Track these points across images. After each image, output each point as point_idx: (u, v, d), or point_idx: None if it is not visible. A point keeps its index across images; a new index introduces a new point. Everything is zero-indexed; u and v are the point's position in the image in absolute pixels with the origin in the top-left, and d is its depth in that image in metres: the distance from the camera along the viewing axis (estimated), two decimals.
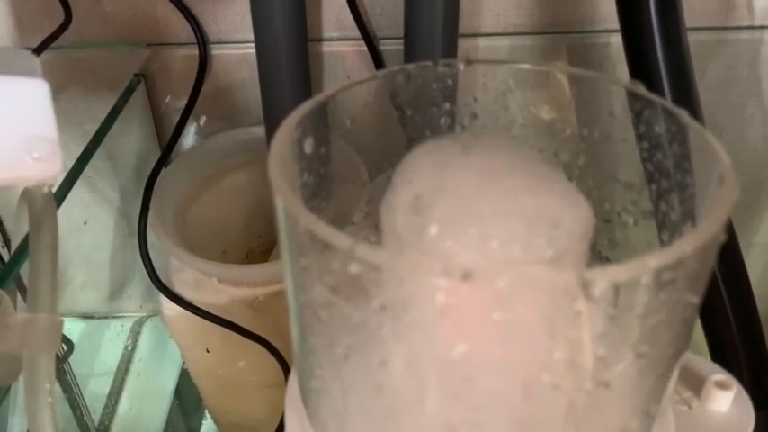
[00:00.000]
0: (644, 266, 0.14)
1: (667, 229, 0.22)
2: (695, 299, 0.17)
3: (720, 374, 0.27)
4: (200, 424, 0.60)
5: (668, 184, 0.22)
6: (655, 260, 0.14)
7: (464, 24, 0.47)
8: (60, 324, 0.26)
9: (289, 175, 0.20)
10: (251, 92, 0.50)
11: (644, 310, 0.15)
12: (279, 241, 0.19)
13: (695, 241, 0.15)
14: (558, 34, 0.49)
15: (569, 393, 0.16)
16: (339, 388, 0.19)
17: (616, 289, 0.14)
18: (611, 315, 0.15)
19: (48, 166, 0.21)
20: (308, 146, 0.21)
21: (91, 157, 0.42)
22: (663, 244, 0.22)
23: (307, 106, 0.21)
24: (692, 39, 0.37)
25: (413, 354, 0.16)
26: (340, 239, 0.15)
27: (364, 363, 0.17)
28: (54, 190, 0.30)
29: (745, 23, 0.49)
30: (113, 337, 0.62)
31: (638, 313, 0.15)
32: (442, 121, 0.25)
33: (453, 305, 0.15)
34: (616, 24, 0.38)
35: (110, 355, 0.61)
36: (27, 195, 0.30)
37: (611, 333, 0.15)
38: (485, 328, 0.15)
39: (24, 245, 0.32)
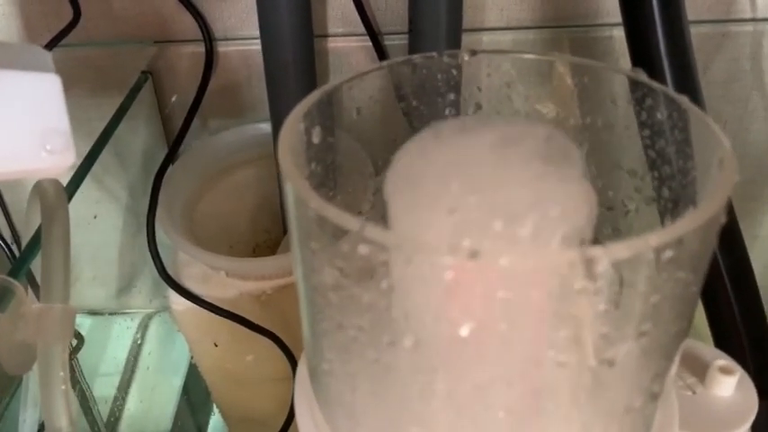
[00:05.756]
0: (645, 244, 0.15)
1: (670, 215, 0.22)
2: (697, 279, 0.18)
3: (724, 360, 0.28)
4: (208, 419, 0.61)
5: (670, 171, 0.22)
6: (656, 238, 0.15)
7: (468, 19, 0.47)
8: (73, 313, 0.27)
9: (297, 162, 0.20)
10: (257, 88, 0.51)
11: (646, 288, 0.16)
12: (288, 228, 0.20)
13: (696, 221, 0.15)
14: (561, 28, 0.49)
15: (574, 371, 0.17)
16: (348, 370, 0.19)
17: (618, 267, 0.15)
18: (615, 293, 0.15)
19: (61, 159, 0.21)
20: (316, 136, 0.22)
21: (99, 154, 0.43)
22: None
23: (314, 96, 0.21)
24: (694, 32, 0.38)
25: (420, 333, 0.17)
26: (349, 221, 0.15)
27: (373, 344, 0.17)
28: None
29: (748, 16, 0.49)
30: (122, 332, 0.63)
31: (641, 292, 0.16)
32: (447, 111, 0.25)
33: (460, 284, 0.15)
34: (619, 18, 0.38)
35: (118, 351, 0.61)
36: (39, 189, 0.30)
37: (614, 311, 0.16)
38: (490, 307, 0.15)
39: (36, 238, 0.33)
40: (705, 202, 0.16)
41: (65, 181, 0.37)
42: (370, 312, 0.17)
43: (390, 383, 0.18)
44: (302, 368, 0.24)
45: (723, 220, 0.17)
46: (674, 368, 0.19)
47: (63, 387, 0.25)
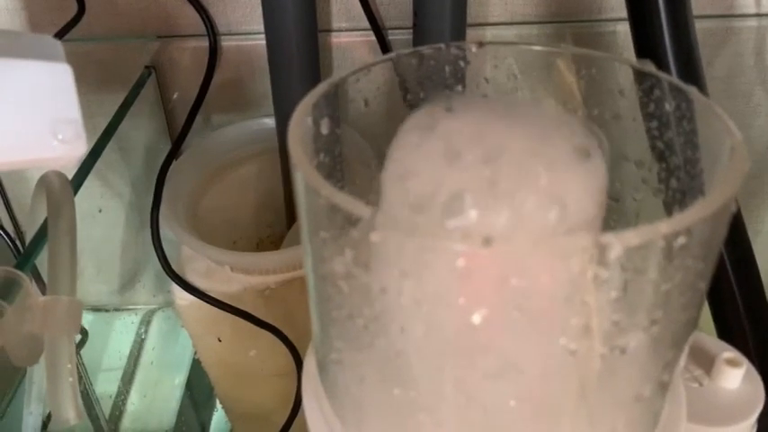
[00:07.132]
0: (657, 232, 0.15)
1: (677, 207, 0.22)
2: (707, 269, 0.18)
3: (730, 352, 0.28)
4: (211, 414, 0.61)
5: (678, 161, 0.22)
6: (667, 226, 0.15)
7: (472, 14, 0.47)
8: (80, 306, 0.27)
9: (307, 152, 0.20)
10: (261, 83, 0.51)
11: (657, 275, 0.16)
12: (298, 218, 0.20)
13: (707, 208, 0.15)
14: (565, 23, 0.49)
15: (585, 359, 0.17)
16: (358, 359, 0.19)
17: (630, 254, 0.15)
18: (626, 280, 0.15)
19: (72, 148, 0.21)
20: (325, 126, 0.22)
21: (103, 149, 0.43)
22: None
23: (323, 87, 0.21)
24: (698, 27, 0.38)
25: (432, 320, 0.17)
26: (360, 208, 0.15)
27: (383, 331, 0.17)
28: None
29: (752, 11, 0.49)
30: (125, 328, 0.63)
31: (652, 279, 0.16)
32: None
33: (472, 271, 0.15)
34: (623, 13, 0.38)
35: (121, 346, 0.61)
36: (44, 181, 0.30)
37: (625, 298, 0.16)
38: (502, 294, 0.15)
39: (42, 232, 0.33)
40: (716, 189, 0.16)
41: (69, 176, 0.37)
42: (381, 299, 0.17)
43: (400, 372, 0.18)
44: (309, 360, 0.24)
45: (734, 208, 0.17)
46: (683, 359, 0.19)
47: (70, 379, 0.25)
